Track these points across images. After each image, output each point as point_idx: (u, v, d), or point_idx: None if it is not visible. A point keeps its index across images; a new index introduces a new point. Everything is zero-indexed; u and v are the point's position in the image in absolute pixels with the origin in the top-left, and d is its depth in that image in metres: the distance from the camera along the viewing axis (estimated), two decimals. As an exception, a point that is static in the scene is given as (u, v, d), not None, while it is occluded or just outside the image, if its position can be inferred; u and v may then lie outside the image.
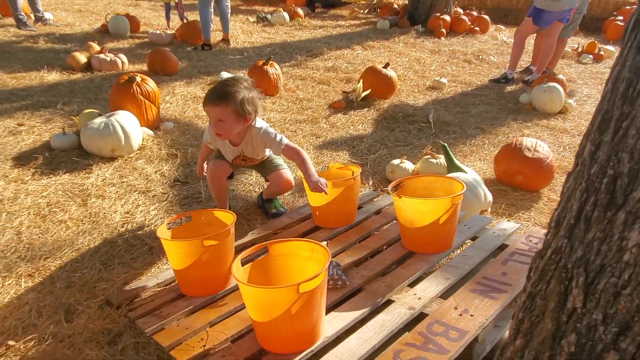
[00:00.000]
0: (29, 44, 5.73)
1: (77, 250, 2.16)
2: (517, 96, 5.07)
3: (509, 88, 5.43)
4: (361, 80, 4.47)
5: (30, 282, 1.94)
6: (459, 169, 2.77)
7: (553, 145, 3.72)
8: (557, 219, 1.00)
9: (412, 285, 1.73)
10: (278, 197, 2.59)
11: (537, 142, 2.94)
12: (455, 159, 2.84)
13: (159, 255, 2.16)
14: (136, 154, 3.11)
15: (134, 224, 2.39)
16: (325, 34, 7.99)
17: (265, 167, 2.44)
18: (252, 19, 8.89)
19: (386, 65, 4.64)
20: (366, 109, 4.35)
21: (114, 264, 2.08)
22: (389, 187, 1.97)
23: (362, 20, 9.29)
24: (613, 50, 7.29)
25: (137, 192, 2.69)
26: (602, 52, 7.08)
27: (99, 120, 3.03)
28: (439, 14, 8.05)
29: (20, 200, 2.51)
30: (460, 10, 8.96)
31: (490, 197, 2.44)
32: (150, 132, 3.36)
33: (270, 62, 4.61)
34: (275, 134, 2.20)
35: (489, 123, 4.20)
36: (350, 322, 1.53)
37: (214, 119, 2.02)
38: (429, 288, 1.67)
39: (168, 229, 1.84)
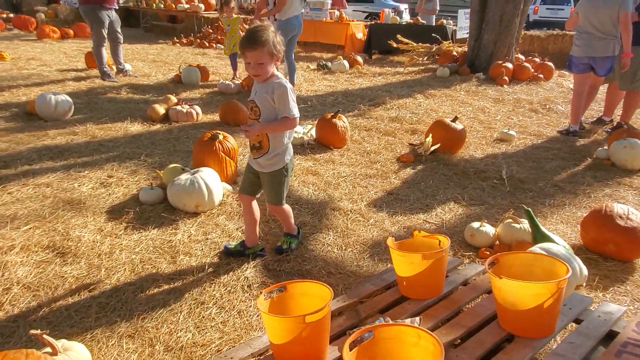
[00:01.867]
0: (113, 95, 6.20)
1: (170, 310, 2.24)
2: (591, 149, 4.89)
3: (582, 141, 5.25)
4: (430, 135, 4.47)
5: (132, 344, 2.01)
6: (545, 237, 2.68)
7: (639, 207, 3.53)
8: None
9: (517, 374, 1.66)
10: (294, 232, 2.79)
11: (629, 208, 2.80)
12: (541, 226, 2.75)
13: (248, 319, 2.20)
14: (217, 209, 3.23)
15: (221, 284, 2.45)
16: (385, 81, 8.12)
17: (265, 186, 2.58)
18: (312, 66, 9.20)
19: (454, 119, 4.63)
20: (435, 163, 4.32)
21: (206, 327, 2.13)
22: (486, 265, 1.92)
23: (421, 67, 9.38)
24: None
25: (220, 250, 2.77)
26: (679, 101, 6.72)
27: (184, 177, 3.19)
28: (500, 62, 7.99)
29: (116, 255, 2.65)
30: (522, 57, 8.86)
31: (585, 271, 2.33)
32: (229, 187, 3.49)
33: (339, 115, 4.72)
34: (293, 104, 2.36)
35: (567, 180, 4.05)
36: (458, 415, 1.48)
37: (253, 62, 2.29)
38: (538, 380, 1.59)
39: (265, 299, 1.87)
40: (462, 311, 2.10)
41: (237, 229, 3.02)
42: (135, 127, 4.98)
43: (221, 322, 2.18)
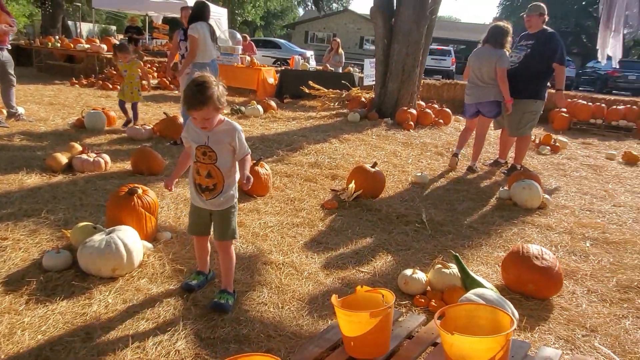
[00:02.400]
0: (4, 142, 5.53)
1: (90, 400, 1.94)
2: (493, 189, 5.32)
3: (485, 182, 5.69)
4: (353, 181, 4.56)
5: None
6: (474, 282, 2.79)
7: (545, 244, 3.86)
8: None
9: None
10: (231, 289, 2.69)
11: (541, 249, 3.04)
12: (469, 270, 2.87)
13: (185, 401, 1.97)
14: (137, 272, 2.94)
15: (149, 362, 2.19)
16: (299, 126, 8.25)
17: (219, 223, 2.59)
18: (225, 110, 9.05)
19: (374, 165, 4.79)
20: (359, 209, 4.39)
21: (136, 417, 1.87)
22: (435, 319, 1.93)
23: (333, 112, 9.70)
24: (566, 141, 7.93)
25: (145, 320, 2.50)
26: (557, 144, 7.67)
27: (98, 238, 2.88)
28: (405, 108, 8.55)
29: (17, 337, 2.26)
30: (423, 103, 9.57)
31: (516, 314, 2.45)
32: (150, 246, 3.21)
33: (261, 162, 4.65)
34: (245, 144, 2.52)
35: (479, 221, 4.33)
36: None
37: (200, 119, 2.35)
38: None
39: (209, 380, 1.69)
40: (412, 368, 2.08)
41: (161, 293, 2.75)
42: (33, 179, 4.45)
43: (153, 408, 1.92)
